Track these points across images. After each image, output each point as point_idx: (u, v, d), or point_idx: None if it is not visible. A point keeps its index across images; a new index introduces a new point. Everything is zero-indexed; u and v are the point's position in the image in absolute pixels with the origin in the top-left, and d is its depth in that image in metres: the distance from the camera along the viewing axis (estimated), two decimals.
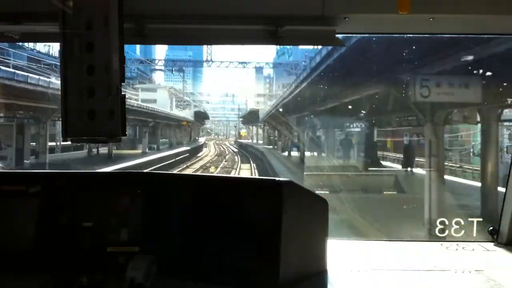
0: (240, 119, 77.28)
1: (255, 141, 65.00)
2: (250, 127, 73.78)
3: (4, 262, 2.20)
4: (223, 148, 62.23)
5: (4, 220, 2.31)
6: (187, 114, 53.27)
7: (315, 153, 24.65)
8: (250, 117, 59.03)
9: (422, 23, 2.68)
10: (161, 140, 42.68)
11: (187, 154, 39.82)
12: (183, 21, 2.54)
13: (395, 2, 2.28)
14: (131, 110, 27.14)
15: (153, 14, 2.49)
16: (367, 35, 6.55)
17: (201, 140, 70.85)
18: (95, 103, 1.91)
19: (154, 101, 41.50)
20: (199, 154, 48.11)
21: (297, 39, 2.71)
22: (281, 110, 33.00)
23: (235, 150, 56.54)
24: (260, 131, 64.88)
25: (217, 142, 78.07)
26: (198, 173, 27.86)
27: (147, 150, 34.98)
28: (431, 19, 2.54)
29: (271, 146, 47.29)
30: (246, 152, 48.94)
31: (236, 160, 41.19)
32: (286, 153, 35.22)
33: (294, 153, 32.24)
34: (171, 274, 2.15)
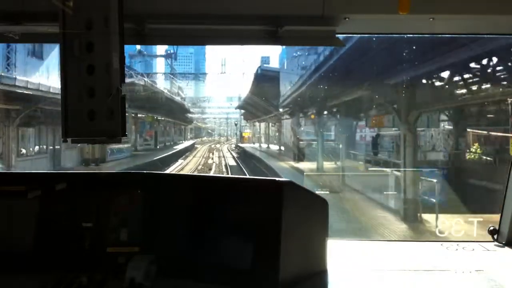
0: (241, 112, 50.86)
1: (263, 144, 42.31)
2: (257, 123, 47.92)
3: (4, 262, 2.20)
4: (212, 159, 37.96)
5: (4, 220, 2.32)
6: None
7: None
8: (260, 93, 31.57)
9: (422, 23, 2.68)
10: None
11: None
12: (183, 21, 2.55)
13: (395, 2, 2.28)
14: None
15: (153, 14, 2.49)
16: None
17: (180, 146, 44.97)
18: (95, 103, 1.91)
19: None
20: None
21: (297, 39, 2.72)
22: None
23: (232, 163, 33.75)
24: (273, 128, 39.96)
25: (213, 146, 55.16)
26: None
27: None
28: (431, 19, 2.54)
29: (311, 167, 21.66)
30: (251, 173, 25.14)
31: None
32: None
33: None
34: (171, 274, 2.15)
